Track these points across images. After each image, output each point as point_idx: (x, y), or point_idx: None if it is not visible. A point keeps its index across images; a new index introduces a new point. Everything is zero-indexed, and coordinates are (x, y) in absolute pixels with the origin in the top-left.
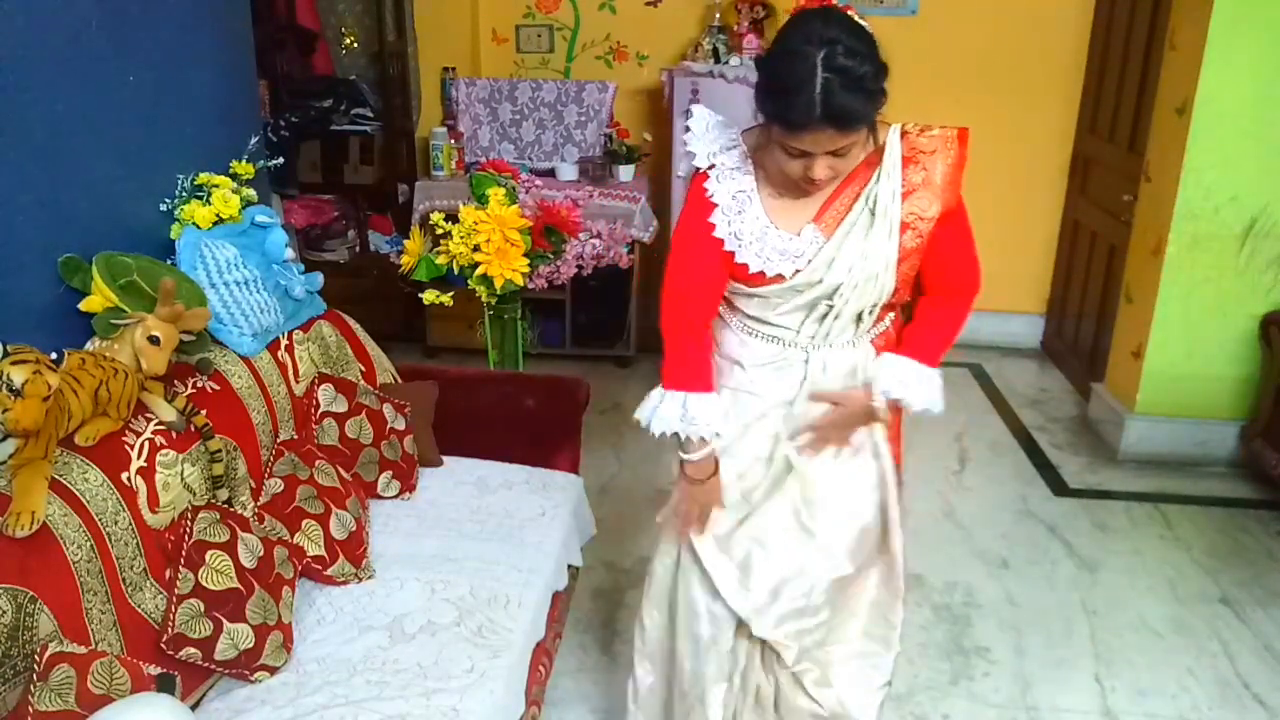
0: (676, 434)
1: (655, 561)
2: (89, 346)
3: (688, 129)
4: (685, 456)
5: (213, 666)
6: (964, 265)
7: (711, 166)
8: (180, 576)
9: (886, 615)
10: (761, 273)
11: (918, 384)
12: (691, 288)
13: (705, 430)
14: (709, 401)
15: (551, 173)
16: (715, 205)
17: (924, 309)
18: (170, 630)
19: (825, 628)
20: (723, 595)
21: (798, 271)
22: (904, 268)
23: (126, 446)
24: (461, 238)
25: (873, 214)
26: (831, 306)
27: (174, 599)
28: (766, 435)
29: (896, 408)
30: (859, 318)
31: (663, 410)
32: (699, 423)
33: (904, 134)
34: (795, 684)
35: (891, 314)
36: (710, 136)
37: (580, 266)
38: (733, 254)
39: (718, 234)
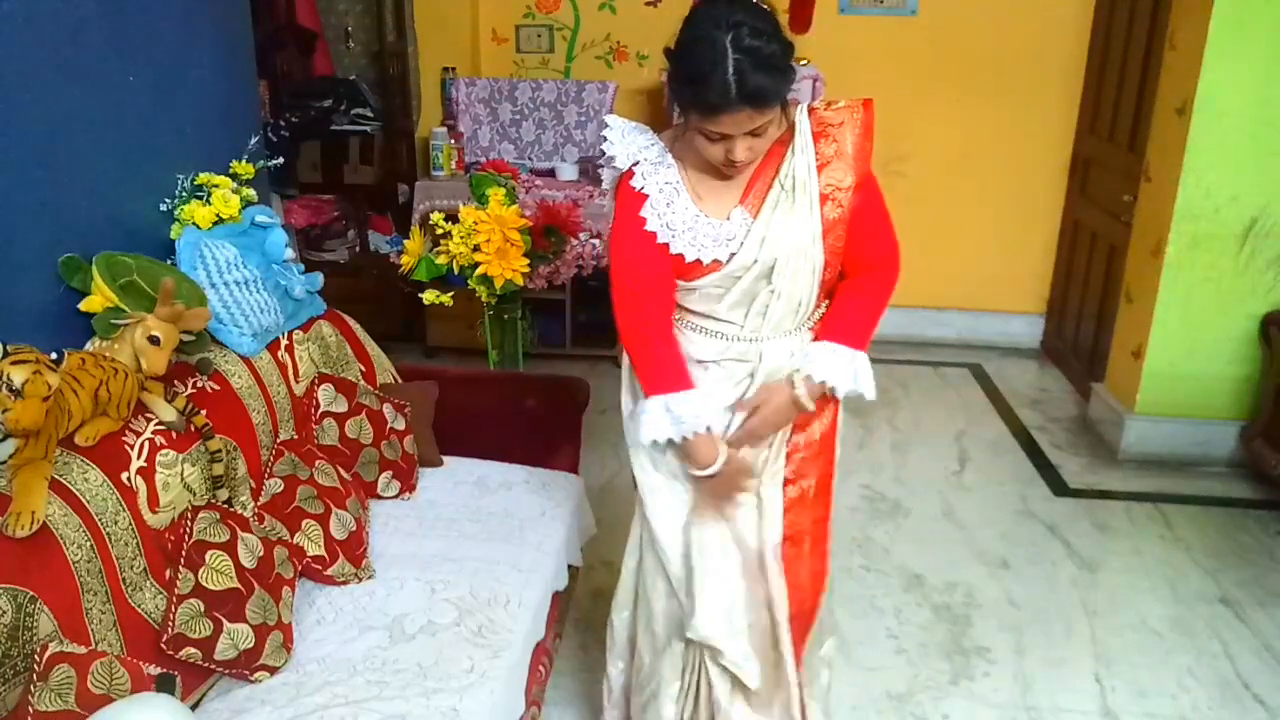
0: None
1: (623, 563)
2: (89, 346)
3: (604, 139)
4: (692, 464)
5: (213, 666)
6: (879, 238)
7: (636, 164)
8: (180, 576)
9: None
10: (698, 261)
11: (832, 363)
12: (643, 285)
13: (698, 425)
14: (692, 398)
15: (551, 173)
16: (645, 196)
17: (839, 292)
18: (170, 630)
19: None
20: (680, 598)
21: (733, 255)
22: (829, 240)
23: (126, 446)
24: (461, 238)
25: (792, 189)
26: (773, 291)
27: (174, 599)
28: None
29: (827, 402)
30: (799, 305)
31: (651, 418)
32: (687, 420)
33: (811, 110)
34: (736, 691)
35: (828, 301)
36: (628, 140)
37: (580, 266)
38: (668, 245)
39: (649, 227)
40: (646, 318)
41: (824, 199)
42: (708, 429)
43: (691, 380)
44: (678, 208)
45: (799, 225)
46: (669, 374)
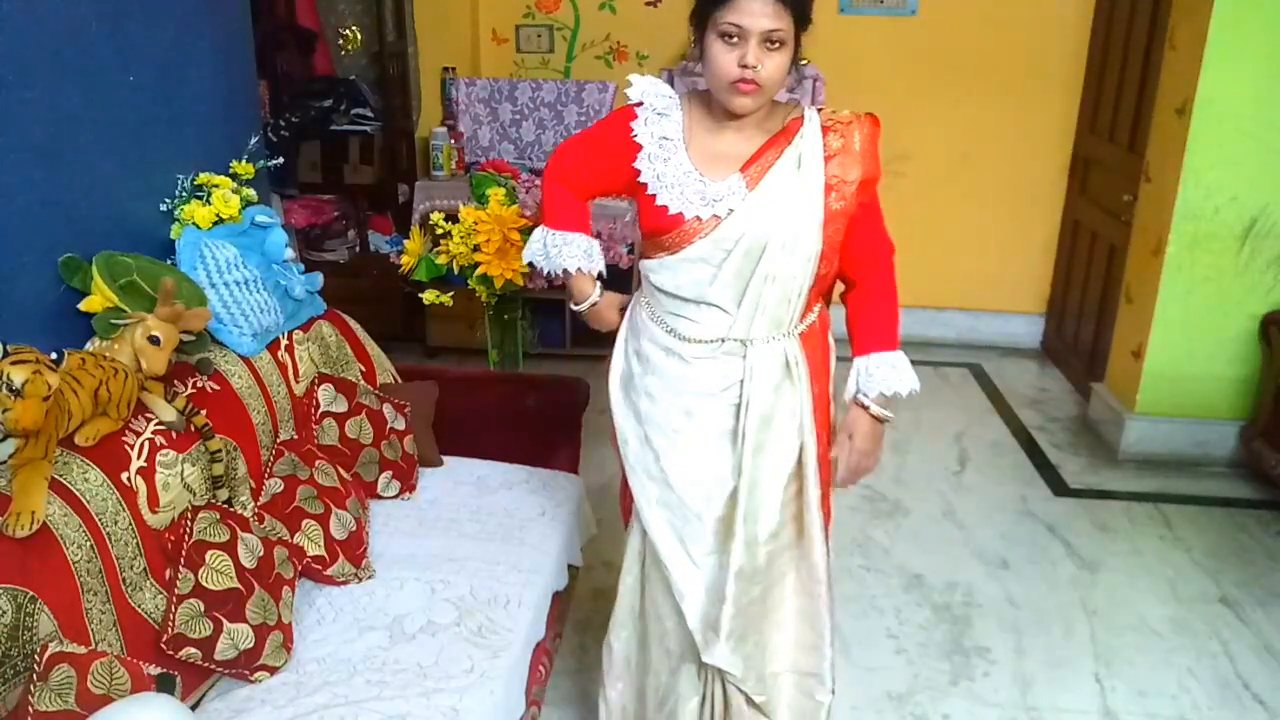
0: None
1: (620, 581)
2: (89, 346)
3: (629, 84)
4: (574, 305)
5: (213, 666)
6: (879, 240)
7: (641, 105)
8: (180, 576)
9: (813, 623)
10: (680, 216)
11: (895, 372)
12: (581, 175)
13: (560, 263)
14: (569, 238)
15: None
16: (640, 146)
17: (855, 302)
18: (170, 630)
19: (759, 646)
20: (679, 601)
21: (718, 218)
22: (829, 231)
23: (126, 446)
24: (461, 238)
25: (798, 168)
26: (766, 276)
27: (174, 599)
28: (723, 411)
29: (826, 395)
30: (791, 298)
31: (532, 243)
32: (553, 256)
33: (820, 110)
34: (749, 703)
35: (819, 306)
36: (650, 85)
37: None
38: (654, 196)
39: (638, 166)
40: (568, 185)
41: (829, 189)
42: (578, 270)
43: (581, 225)
44: (673, 164)
45: (800, 207)
46: (562, 214)
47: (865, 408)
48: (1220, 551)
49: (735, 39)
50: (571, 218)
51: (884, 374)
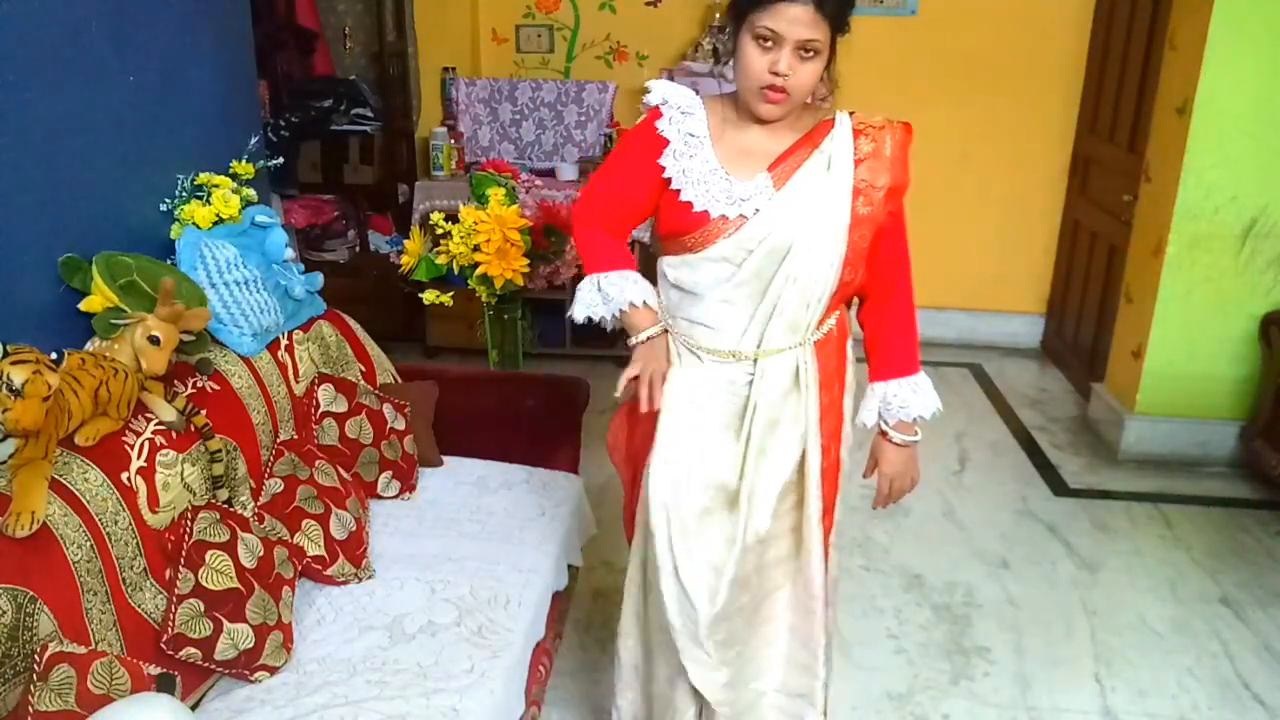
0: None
1: (625, 590)
2: (89, 346)
3: (647, 89)
4: (630, 332)
5: (213, 666)
6: (901, 252)
7: (665, 104)
8: (180, 576)
9: (806, 642)
10: (706, 214)
11: (915, 396)
12: (613, 201)
13: (621, 303)
14: (624, 274)
15: (551, 173)
16: (666, 141)
17: (874, 321)
18: (170, 630)
19: (743, 658)
20: (667, 610)
21: (744, 218)
22: (854, 236)
23: (126, 446)
24: (461, 238)
25: (828, 169)
26: (789, 277)
27: (174, 599)
28: (730, 409)
29: (837, 404)
30: (810, 303)
31: (582, 296)
32: (614, 297)
33: (852, 114)
34: None
35: (839, 311)
36: (668, 87)
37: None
38: (678, 192)
39: (662, 162)
40: (602, 223)
41: (856, 192)
42: (644, 303)
43: (627, 262)
44: (698, 160)
45: (827, 209)
46: (605, 256)
47: (888, 435)
48: (1220, 551)
49: (770, 43)
50: (615, 257)
51: (904, 399)
